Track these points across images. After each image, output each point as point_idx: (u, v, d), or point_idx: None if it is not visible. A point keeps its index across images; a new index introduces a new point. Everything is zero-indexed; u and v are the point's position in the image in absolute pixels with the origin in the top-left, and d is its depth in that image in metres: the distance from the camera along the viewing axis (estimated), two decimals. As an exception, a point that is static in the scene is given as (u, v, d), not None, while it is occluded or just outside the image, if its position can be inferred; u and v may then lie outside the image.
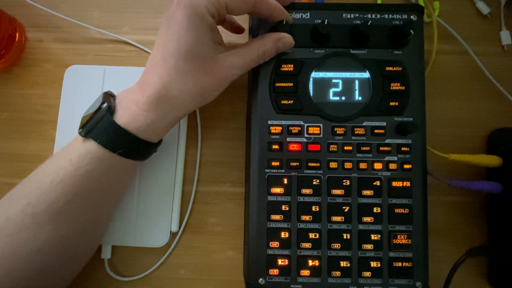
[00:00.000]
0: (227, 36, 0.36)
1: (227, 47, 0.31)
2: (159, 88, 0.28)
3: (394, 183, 0.31)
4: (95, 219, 0.31)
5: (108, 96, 0.29)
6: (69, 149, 0.29)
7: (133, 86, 0.30)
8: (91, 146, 0.28)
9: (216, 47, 0.30)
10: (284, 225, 0.31)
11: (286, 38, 0.31)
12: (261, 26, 0.32)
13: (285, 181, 0.31)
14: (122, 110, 0.28)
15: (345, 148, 0.31)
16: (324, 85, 0.32)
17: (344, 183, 0.31)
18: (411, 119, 0.31)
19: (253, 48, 0.30)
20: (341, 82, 0.32)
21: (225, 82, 0.30)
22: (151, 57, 0.29)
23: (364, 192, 0.31)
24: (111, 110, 0.28)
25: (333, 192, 0.31)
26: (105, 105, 0.28)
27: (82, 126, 0.28)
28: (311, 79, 0.32)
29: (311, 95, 0.32)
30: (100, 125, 0.27)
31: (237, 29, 0.36)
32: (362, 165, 0.31)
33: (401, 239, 0.30)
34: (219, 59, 0.29)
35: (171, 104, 0.28)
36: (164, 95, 0.28)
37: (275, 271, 0.30)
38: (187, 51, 0.27)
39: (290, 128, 0.31)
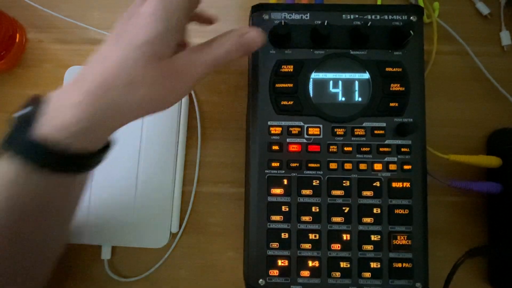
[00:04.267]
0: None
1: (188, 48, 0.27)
2: (97, 84, 0.23)
3: (394, 184, 0.31)
4: (33, 248, 0.25)
5: (33, 101, 0.24)
6: None
7: (66, 85, 0.25)
8: (8, 165, 0.22)
9: (177, 48, 0.26)
10: (284, 225, 0.31)
11: (251, 33, 0.26)
12: (263, 27, 0.32)
13: (285, 181, 0.31)
14: (47, 116, 0.23)
15: (345, 149, 0.31)
16: (324, 86, 0.32)
17: (344, 184, 0.31)
18: (411, 119, 0.31)
19: (212, 46, 0.26)
20: (341, 83, 0.32)
21: (185, 87, 0.26)
22: (100, 49, 0.24)
23: (364, 193, 0.31)
24: (32, 117, 0.22)
25: (333, 192, 0.31)
26: (22, 112, 0.23)
27: None
28: (311, 80, 0.32)
29: (311, 95, 0.32)
30: (17, 137, 0.22)
31: (207, 20, 0.32)
32: (362, 166, 0.31)
33: (401, 240, 0.30)
34: (175, 63, 0.25)
35: (110, 108, 0.23)
36: (103, 96, 0.23)
37: (275, 272, 0.30)
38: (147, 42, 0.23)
39: (290, 128, 0.31)
